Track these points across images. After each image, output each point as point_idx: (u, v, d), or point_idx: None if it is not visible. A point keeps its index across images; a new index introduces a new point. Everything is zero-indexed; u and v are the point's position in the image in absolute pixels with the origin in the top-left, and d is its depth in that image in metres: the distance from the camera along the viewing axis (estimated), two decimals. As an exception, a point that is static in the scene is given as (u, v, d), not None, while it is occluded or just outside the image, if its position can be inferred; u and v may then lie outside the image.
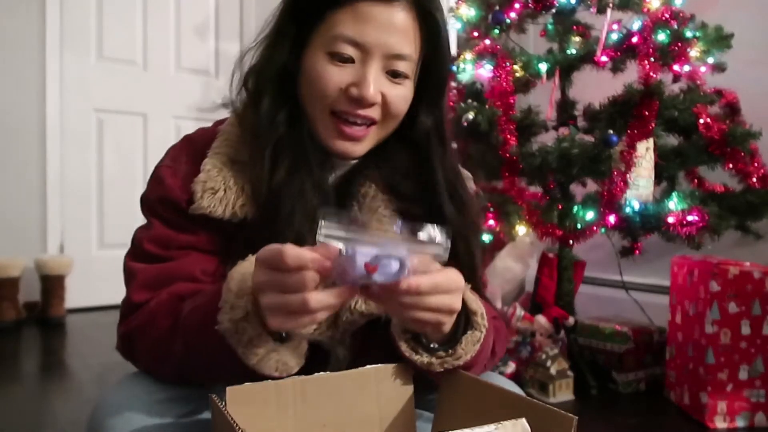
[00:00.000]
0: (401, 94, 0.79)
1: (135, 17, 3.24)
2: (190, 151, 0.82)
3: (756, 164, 1.78)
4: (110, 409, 0.72)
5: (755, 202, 1.76)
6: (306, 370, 0.68)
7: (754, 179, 1.77)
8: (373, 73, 0.76)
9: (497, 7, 2.04)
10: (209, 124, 0.88)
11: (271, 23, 0.82)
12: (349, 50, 0.75)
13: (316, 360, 0.76)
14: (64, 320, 2.86)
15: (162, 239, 0.79)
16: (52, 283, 2.86)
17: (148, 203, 0.82)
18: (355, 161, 0.84)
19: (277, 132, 0.79)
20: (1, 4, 2.90)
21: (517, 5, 2.01)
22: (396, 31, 0.75)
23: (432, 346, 0.70)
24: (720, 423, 1.62)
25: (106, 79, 3.16)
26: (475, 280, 0.79)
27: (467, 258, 0.81)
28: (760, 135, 1.75)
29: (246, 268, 0.65)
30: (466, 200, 0.84)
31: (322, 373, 0.68)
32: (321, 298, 0.57)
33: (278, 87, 0.80)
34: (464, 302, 0.72)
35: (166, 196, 0.79)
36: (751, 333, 1.62)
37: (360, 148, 0.80)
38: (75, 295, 3.00)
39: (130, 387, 0.75)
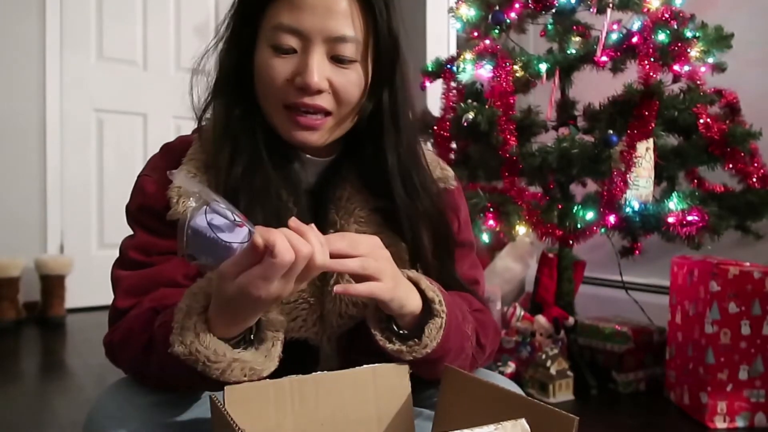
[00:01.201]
0: (350, 79, 0.77)
1: (135, 17, 3.24)
2: (168, 159, 0.83)
3: (756, 164, 1.78)
4: (105, 412, 0.72)
5: (755, 202, 1.76)
6: (297, 368, 0.68)
7: (754, 179, 1.76)
8: (315, 59, 0.74)
9: (497, 7, 2.04)
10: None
11: (224, 26, 0.82)
12: (290, 40, 0.75)
13: (307, 359, 0.77)
14: (64, 320, 2.86)
15: (144, 246, 0.80)
16: (52, 283, 2.86)
17: (130, 213, 0.83)
18: (328, 159, 0.84)
19: (233, 130, 0.79)
20: (1, 5, 2.90)
21: (517, 5, 2.01)
22: (334, 13, 0.74)
23: (402, 332, 0.72)
24: (720, 423, 1.62)
25: (106, 79, 3.16)
26: (425, 264, 0.81)
27: (415, 245, 0.81)
28: (760, 135, 1.75)
29: (198, 285, 0.66)
30: (420, 188, 0.82)
31: (320, 372, 0.68)
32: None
33: (235, 89, 0.80)
34: (422, 292, 0.73)
35: (146, 205, 0.80)
36: (751, 333, 1.62)
37: (317, 137, 0.79)
38: (75, 295, 3.00)
39: (123, 390, 0.75)
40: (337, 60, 0.76)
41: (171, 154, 0.84)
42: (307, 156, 0.83)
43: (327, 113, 0.78)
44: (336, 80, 0.76)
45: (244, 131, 0.79)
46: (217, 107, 0.82)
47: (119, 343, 0.75)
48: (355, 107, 0.80)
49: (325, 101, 0.77)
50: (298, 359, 0.71)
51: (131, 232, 0.83)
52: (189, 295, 0.65)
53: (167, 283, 0.76)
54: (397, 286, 0.70)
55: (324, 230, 0.75)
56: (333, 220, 0.82)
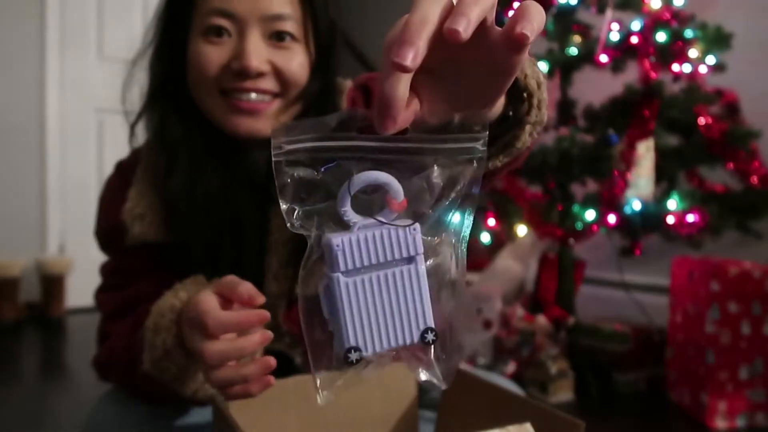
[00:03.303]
0: (293, 59, 0.73)
1: (135, 17, 3.24)
2: (121, 178, 0.81)
3: (756, 164, 1.78)
4: (103, 419, 0.72)
5: (755, 202, 1.76)
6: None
7: (755, 179, 1.77)
8: (252, 41, 0.70)
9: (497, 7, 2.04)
10: None
11: (152, 32, 0.79)
12: (221, 21, 0.71)
13: (284, 372, 0.75)
14: (64, 320, 2.85)
15: (119, 268, 0.80)
16: (52, 283, 2.85)
17: (99, 238, 0.83)
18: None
19: (169, 139, 0.75)
20: (1, 4, 2.89)
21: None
22: None
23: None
24: (720, 423, 1.62)
25: (106, 79, 3.14)
26: None
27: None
28: (760, 135, 1.75)
29: (165, 301, 0.64)
30: None
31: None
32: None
33: (169, 96, 0.77)
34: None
35: (110, 227, 0.80)
36: (751, 333, 1.62)
37: (263, 125, 0.73)
38: (75, 295, 2.99)
39: (121, 396, 0.76)
40: (278, 38, 0.72)
41: (124, 173, 0.82)
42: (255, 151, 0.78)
43: (275, 95, 0.74)
44: (278, 61, 0.72)
45: (182, 139, 0.76)
46: (152, 118, 0.79)
47: (105, 364, 0.76)
48: (304, 90, 0.75)
49: (268, 83, 0.72)
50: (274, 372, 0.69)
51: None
52: (154, 313, 0.63)
53: (145, 300, 0.74)
54: None
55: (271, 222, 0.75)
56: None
